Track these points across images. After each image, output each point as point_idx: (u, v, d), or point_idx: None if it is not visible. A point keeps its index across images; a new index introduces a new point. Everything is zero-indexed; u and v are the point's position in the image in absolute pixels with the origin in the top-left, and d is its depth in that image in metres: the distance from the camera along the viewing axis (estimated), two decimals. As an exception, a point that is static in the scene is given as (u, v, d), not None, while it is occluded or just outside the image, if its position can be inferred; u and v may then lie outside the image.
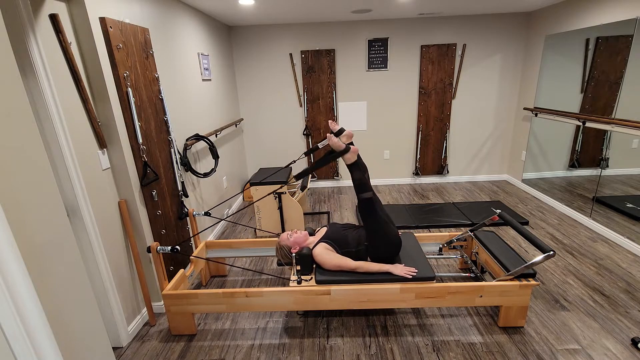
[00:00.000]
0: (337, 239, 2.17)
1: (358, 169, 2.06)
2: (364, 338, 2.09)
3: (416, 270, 2.04)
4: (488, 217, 3.61)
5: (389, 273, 2.04)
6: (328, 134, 2.06)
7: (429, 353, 1.95)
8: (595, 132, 3.27)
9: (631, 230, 2.90)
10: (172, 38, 2.72)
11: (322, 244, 2.15)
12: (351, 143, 2.15)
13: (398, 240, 2.11)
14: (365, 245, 2.13)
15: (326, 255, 2.08)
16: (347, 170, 4.85)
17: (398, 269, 2.04)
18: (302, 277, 2.10)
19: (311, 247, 2.17)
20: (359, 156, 2.09)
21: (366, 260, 2.15)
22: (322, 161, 2.07)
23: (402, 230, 3.21)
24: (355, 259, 2.14)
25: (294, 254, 2.15)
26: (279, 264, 2.30)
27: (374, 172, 4.97)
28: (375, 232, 2.07)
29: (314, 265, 2.16)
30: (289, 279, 2.25)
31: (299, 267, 2.15)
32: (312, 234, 2.35)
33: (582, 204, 3.44)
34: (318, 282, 2.04)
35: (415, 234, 2.69)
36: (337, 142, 2.04)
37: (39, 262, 1.05)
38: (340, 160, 4.90)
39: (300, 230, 2.29)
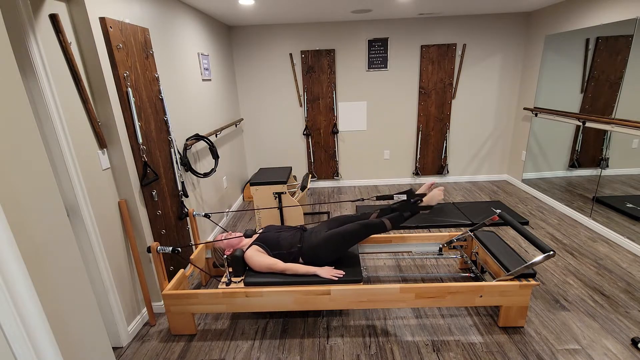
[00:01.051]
0: (270, 241, 2.22)
1: (415, 216, 2.17)
2: (364, 338, 2.09)
3: (343, 273, 2.08)
4: (488, 217, 3.61)
5: (316, 275, 2.08)
6: (440, 189, 2.12)
7: (429, 353, 1.95)
8: (595, 132, 3.27)
9: (631, 230, 2.90)
10: (172, 38, 2.72)
11: (254, 246, 2.20)
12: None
13: (337, 257, 2.20)
14: (299, 247, 2.18)
15: (256, 257, 2.13)
16: (350, 170, 4.87)
17: (324, 271, 2.09)
18: (233, 278, 2.13)
19: (244, 250, 2.20)
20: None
21: (298, 261, 2.19)
22: (411, 213, 2.13)
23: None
24: (287, 261, 2.18)
25: (225, 256, 2.19)
26: (214, 266, 2.34)
27: (374, 172, 4.97)
28: (343, 240, 2.13)
29: (247, 267, 2.19)
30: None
31: (231, 269, 2.17)
32: (250, 235, 2.37)
33: (582, 204, 3.44)
34: (246, 284, 2.07)
35: (413, 234, 2.69)
36: (440, 198, 2.12)
37: (39, 262, 1.05)
38: (339, 160, 4.90)
39: (236, 232, 2.33)
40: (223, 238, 2.27)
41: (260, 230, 2.35)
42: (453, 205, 3.99)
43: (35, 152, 1.05)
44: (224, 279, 2.13)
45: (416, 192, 2.20)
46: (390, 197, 2.17)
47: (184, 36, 2.95)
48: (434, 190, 2.13)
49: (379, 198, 2.20)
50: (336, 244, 2.12)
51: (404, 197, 2.10)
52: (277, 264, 2.11)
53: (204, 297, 2.05)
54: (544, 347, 1.95)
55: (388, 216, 2.15)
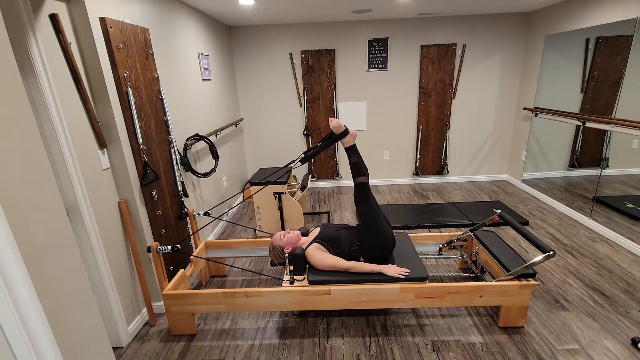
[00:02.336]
0: (330, 239, 2.18)
1: (355, 153, 2.13)
2: (364, 338, 2.09)
3: (408, 271, 2.05)
4: (488, 217, 3.61)
5: (381, 273, 2.05)
6: (330, 118, 2.14)
7: (429, 353, 1.95)
8: (595, 132, 3.27)
9: (631, 230, 2.90)
10: (172, 38, 2.72)
11: (315, 244, 2.16)
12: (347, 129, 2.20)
13: (392, 240, 2.13)
14: (359, 245, 2.14)
15: (319, 255, 2.09)
16: (349, 168, 4.87)
17: (390, 269, 2.05)
18: (295, 277, 2.11)
19: (304, 248, 2.17)
20: (356, 148, 2.16)
21: (359, 260, 2.16)
22: (324, 143, 2.15)
23: (398, 231, 3.21)
24: (348, 259, 2.15)
25: (286, 254, 2.16)
26: (272, 264, 2.32)
27: (374, 172, 4.97)
28: (370, 223, 2.08)
29: (307, 266, 2.16)
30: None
31: (291, 267, 2.15)
32: (305, 234, 2.36)
33: (582, 204, 3.44)
34: (310, 282, 2.04)
35: (413, 234, 2.69)
36: (338, 123, 2.11)
37: (39, 262, 1.05)
38: (339, 160, 4.90)
39: (294, 230, 2.30)
40: (282, 236, 2.22)
41: (317, 229, 2.32)
42: (453, 205, 3.99)
43: (35, 152, 1.05)
44: (286, 277, 2.10)
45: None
46: (316, 146, 2.26)
47: (184, 36, 2.95)
48: (331, 122, 2.15)
49: (308, 151, 2.27)
50: (371, 227, 2.08)
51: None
52: (341, 262, 2.07)
53: (204, 297, 2.05)
54: (544, 347, 1.95)
55: (352, 175, 2.14)
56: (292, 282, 2.06)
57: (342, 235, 2.19)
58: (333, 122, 2.11)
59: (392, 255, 2.23)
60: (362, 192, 2.08)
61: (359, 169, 2.09)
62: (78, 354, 1.19)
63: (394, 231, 2.59)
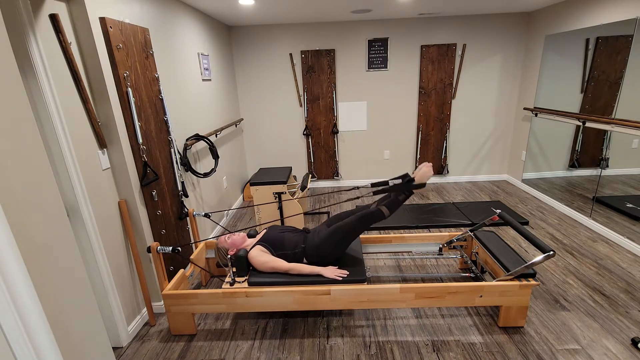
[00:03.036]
0: (274, 241, 2.22)
1: (409, 197, 2.17)
2: (364, 338, 2.09)
3: (347, 273, 2.08)
4: (488, 217, 3.61)
5: (320, 275, 2.08)
6: (427, 165, 2.12)
7: (429, 353, 1.95)
8: (595, 132, 3.27)
9: (631, 230, 2.90)
10: (172, 38, 2.72)
11: (258, 246, 2.19)
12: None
13: (341, 254, 2.20)
14: (302, 248, 2.18)
15: (260, 257, 2.12)
16: (350, 170, 4.87)
17: (329, 271, 2.09)
18: (237, 278, 2.12)
19: (248, 250, 2.19)
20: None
21: (302, 262, 2.19)
22: (405, 195, 2.14)
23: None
24: (292, 261, 2.18)
25: (230, 256, 2.18)
26: (218, 266, 2.34)
27: (374, 172, 4.97)
28: (345, 234, 2.12)
29: (251, 267, 2.18)
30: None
31: (234, 269, 2.17)
32: (253, 236, 2.38)
33: (582, 204, 3.44)
34: (250, 284, 2.06)
35: (413, 234, 2.69)
36: (430, 175, 2.11)
37: (39, 262, 1.05)
38: (339, 159, 4.90)
39: (239, 232, 2.33)
40: (227, 237, 2.26)
41: (263, 231, 2.35)
42: (453, 205, 3.99)
43: (35, 152, 1.05)
44: (227, 279, 2.12)
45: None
46: (386, 183, 2.18)
47: (184, 36, 2.95)
48: (422, 167, 2.12)
49: (373, 185, 2.20)
50: (337, 239, 2.12)
51: (399, 181, 2.11)
52: (281, 263, 2.10)
53: (204, 297, 2.05)
54: (544, 347, 1.95)
55: (384, 203, 2.15)
56: (232, 284, 2.08)
57: (286, 238, 2.23)
58: (428, 171, 2.08)
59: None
60: (374, 219, 2.12)
61: (396, 206, 2.12)
62: (78, 354, 1.19)
63: (391, 232, 2.60)
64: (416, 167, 4.84)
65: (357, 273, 2.09)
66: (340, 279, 2.04)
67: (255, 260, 2.13)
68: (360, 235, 2.67)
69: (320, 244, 2.14)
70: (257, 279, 2.08)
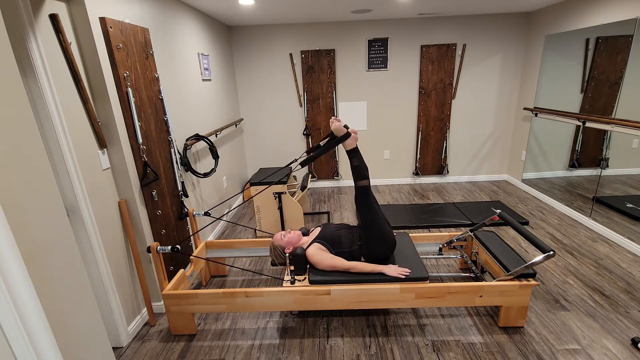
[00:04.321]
0: (331, 239, 2.18)
1: (357, 156, 2.10)
2: (364, 338, 2.09)
3: (409, 271, 2.05)
4: (488, 217, 3.61)
5: (382, 273, 2.05)
6: (331, 119, 2.11)
7: (429, 353, 1.95)
8: (595, 132, 3.27)
9: (631, 230, 2.90)
10: (172, 38, 2.72)
11: (316, 244, 2.16)
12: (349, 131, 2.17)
13: (393, 240, 2.13)
14: (359, 245, 2.14)
15: (319, 255, 2.09)
16: (349, 169, 4.87)
17: (391, 269, 2.05)
18: (296, 277, 2.11)
19: (305, 247, 2.17)
20: (358, 151, 2.12)
21: (360, 260, 2.16)
22: (325, 147, 2.11)
23: (398, 231, 3.21)
24: (349, 259, 2.15)
25: (287, 254, 2.16)
26: (273, 264, 2.31)
27: (374, 172, 4.97)
28: (371, 225, 2.08)
29: (308, 266, 2.17)
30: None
31: (292, 268, 2.15)
32: (306, 234, 2.36)
33: (582, 204, 3.44)
34: (311, 282, 2.04)
35: (413, 234, 2.69)
36: (339, 127, 2.07)
37: (39, 262, 1.05)
38: (340, 160, 4.90)
39: (294, 230, 2.30)
40: (282, 236, 2.23)
41: (317, 228, 2.31)
42: (453, 205, 3.99)
43: (35, 152, 1.05)
44: (287, 277, 2.10)
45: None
46: (319, 146, 2.23)
47: (184, 36, 2.95)
48: (333, 123, 2.11)
49: (309, 151, 2.27)
50: (372, 228, 2.08)
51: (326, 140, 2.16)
52: (341, 262, 2.07)
53: (204, 297, 2.05)
54: (544, 347, 1.95)
55: (355, 181, 2.11)
56: (292, 282, 2.06)
57: (342, 235, 2.19)
58: (334, 125, 2.07)
59: (393, 255, 2.23)
60: (363, 195, 2.07)
61: (360, 172, 2.07)
62: (78, 354, 1.19)
63: (394, 231, 2.60)
64: (416, 167, 4.85)
65: (418, 271, 2.06)
66: (403, 277, 2.02)
67: (315, 258, 2.09)
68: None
69: (370, 241, 2.10)
70: (318, 277, 2.05)
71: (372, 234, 2.09)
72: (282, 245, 2.20)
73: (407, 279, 2.02)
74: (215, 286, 2.68)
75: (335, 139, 2.11)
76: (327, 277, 2.05)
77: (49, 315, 1.07)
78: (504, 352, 1.93)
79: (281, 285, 2.08)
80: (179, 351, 2.05)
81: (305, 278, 2.10)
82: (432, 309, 2.31)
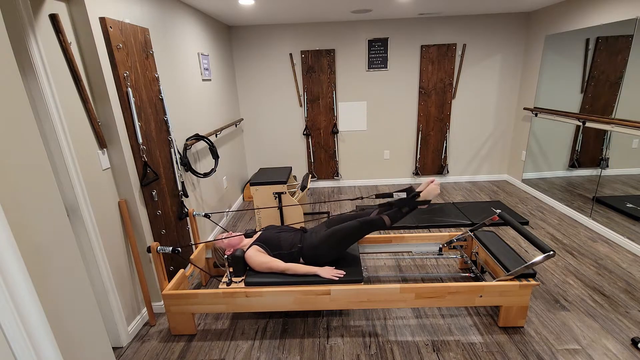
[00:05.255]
0: (270, 241, 2.22)
1: (413, 210, 2.17)
2: (364, 338, 2.09)
3: (344, 273, 2.09)
4: (488, 217, 3.61)
5: (317, 275, 2.08)
6: (435, 183, 2.11)
7: (429, 353, 1.95)
8: (595, 132, 3.27)
9: (631, 230, 2.90)
10: (172, 38, 2.72)
11: (254, 246, 2.20)
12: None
13: (338, 256, 2.21)
14: (299, 247, 2.18)
15: (257, 257, 2.13)
16: (350, 170, 4.87)
17: (325, 271, 2.09)
18: (233, 278, 2.13)
19: (245, 250, 2.19)
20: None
21: (299, 262, 2.19)
22: (408, 210, 2.13)
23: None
24: (288, 260, 2.18)
25: (226, 256, 2.18)
26: (215, 266, 2.34)
27: (374, 172, 4.97)
28: (342, 237, 2.13)
29: (248, 267, 2.19)
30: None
31: (231, 269, 2.17)
32: (250, 236, 2.38)
33: (582, 204, 3.44)
34: (247, 284, 2.06)
35: (413, 234, 2.69)
36: (436, 192, 2.10)
37: (39, 262, 1.05)
38: (340, 159, 4.90)
39: (237, 232, 2.33)
40: (223, 238, 2.27)
41: (260, 230, 2.35)
42: (453, 205, 3.99)
43: (35, 152, 1.05)
44: (224, 279, 2.13)
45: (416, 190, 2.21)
46: (390, 195, 2.17)
47: (184, 36, 2.95)
48: (430, 185, 2.13)
49: (378, 196, 2.20)
50: (336, 242, 2.13)
51: (404, 194, 2.11)
52: (278, 264, 2.11)
53: (204, 297, 2.05)
54: (544, 347, 1.95)
55: (386, 212, 2.15)
56: (229, 284, 2.08)
57: (282, 238, 2.24)
58: (435, 189, 2.08)
59: None
60: (374, 227, 2.12)
61: (399, 218, 2.13)
62: (78, 354, 1.19)
63: (398, 230, 2.60)
64: (416, 167, 4.85)
65: (354, 273, 2.09)
66: (337, 279, 2.05)
67: (252, 260, 2.13)
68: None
69: (318, 245, 2.14)
70: (254, 279, 2.08)
71: (338, 240, 2.14)
72: (222, 247, 2.25)
73: (341, 281, 2.05)
74: (215, 286, 2.68)
75: (417, 201, 2.10)
76: (263, 279, 2.08)
77: (49, 315, 1.07)
78: (504, 352, 1.93)
79: (218, 287, 2.11)
80: (179, 351, 2.05)
81: (242, 280, 2.12)
82: (432, 309, 2.31)
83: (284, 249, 2.20)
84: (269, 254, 2.19)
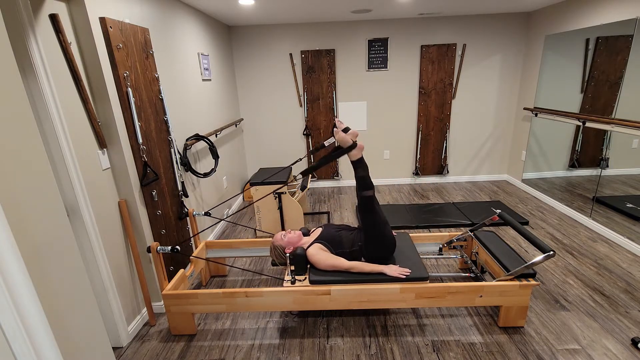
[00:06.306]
0: (332, 239, 2.19)
1: (362, 167, 2.08)
2: (364, 338, 2.09)
3: (409, 271, 2.05)
4: (488, 217, 3.61)
5: (382, 273, 2.05)
6: (335, 129, 2.07)
7: (429, 353, 1.95)
8: (595, 132, 3.27)
9: (631, 230, 2.90)
10: (172, 38, 2.72)
11: (317, 244, 2.16)
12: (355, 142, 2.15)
13: (393, 241, 2.13)
14: (360, 246, 2.14)
15: (320, 255, 2.10)
16: (350, 169, 4.87)
17: (391, 269, 2.06)
18: (296, 277, 2.11)
19: (305, 248, 2.17)
20: (363, 160, 2.10)
21: (360, 260, 2.16)
22: (329, 157, 2.08)
23: (399, 230, 3.21)
24: (350, 259, 2.15)
25: (288, 254, 2.16)
26: (274, 264, 2.31)
27: (374, 172, 4.97)
28: (373, 231, 2.08)
29: (308, 266, 2.17)
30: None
31: (292, 268, 2.16)
32: (306, 234, 2.36)
33: (582, 204, 3.44)
34: (312, 282, 2.04)
35: (413, 234, 2.69)
36: (345, 138, 2.03)
37: (39, 262, 1.05)
38: (340, 160, 4.90)
39: (295, 230, 2.30)
40: (282, 236, 2.23)
41: (319, 229, 2.31)
42: (453, 205, 3.99)
43: (35, 152, 1.05)
44: (287, 277, 2.10)
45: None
46: (323, 146, 2.22)
47: (184, 36, 2.95)
48: (338, 133, 2.07)
49: (311, 152, 2.28)
50: (375, 233, 2.08)
51: (332, 139, 2.13)
52: (342, 262, 2.07)
53: (204, 297, 2.05)
54: (544, 347, 1.95)
55: (359, 190, 2.09)
56: (293, 282, 2.06)
57: (343, 236, 2.19)
58: (338, 136, 2.02)
59: (393, 256, 2.24)
60: (368, 205, 2.07)
61: (366, 182, 2.06)
62: (78, 354, 1.19)
63: (395, 231, 2.60)
64: (416, 167, 4.85)
65: (418, 271, 2.06)
66: (404, 277, 2.02)
67: (316, 258, 2.09)
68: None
69: (371, 243, 2.11)
70: (319, 277, 2.05)
71: (371, 237, 2.09)
72: (282, 245, 2.20)
73: (408, 279, 2.02)
74: (215, 286, 2.68)
75: (340, 150, 2.07)
76: (327, 277, 2.05)
77: (49, 315, 1.07)
78: (504, 352, 1.93)
79: (281, 285, 2.08)
80: (179, 351, 2.05)
81: (305, 278, 2.10)
82: (432, 309, 2.31)
83: (345, 247, 2.16)
84: (332, 252, 2.16)
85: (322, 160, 2.07)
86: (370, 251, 2.11)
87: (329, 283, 2.04)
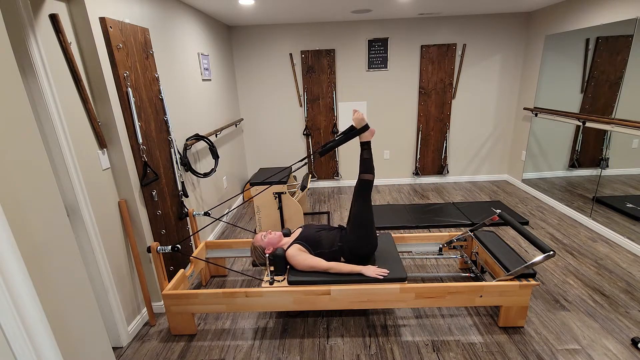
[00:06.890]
0: (311, 240, 2.20)
1: (369, 150, 2.13)
2: (364, 338, 2.09)
3: (387, 272, 2.06)
4: (488, 217, 3.61)
5: (360, 274, 2.06)
6: (354, 109, 2.14)
7: (429, 353, 1.95)
8: (595, 132, 3.27)
9: (631, 230, 2.90)
10: (172, 38, 2.72)
11: (296, 245, 2.17)
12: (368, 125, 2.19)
13: (375, 241, 2.16)
14: (339, 246, 2.16)
15: (299, 256, 2.11)
16: (350, 170, 4.87)
17: (369, 270, 2.07)
18: (275, 277, 2.11)
19: (285, 249, 2.18)
20: (370, 146, 2.17)
21: (339, 260, 2.17)
22: (344, 137, 2.15)
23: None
24: (329, 259, 2.16)
25: (267, 255, 2.17)
26: (254, 265, 2.32)
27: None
28: (360, 219, 2.10)
29: (288, 266, 2.17)
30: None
31: (272, 268, 2.16)
32: (287, 234, 2.37)
33: (582, 204, 3.44)
34: (290, 283, 2.05)
35: (413, 234, 2.69)
36: (362, 117, 2.10)
37: (39, 262, 1.05)
38: (340, 160, 4.90)
39: (275, 231, 2.30)
40: (263, 236, 2.24)
41: (298, 229, 2.33)
42: (453, 205, 3.99)
43: (35, 152, 1.05)
44: (266, 278, 2.11)
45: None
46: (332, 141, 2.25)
47: (184, 36, 2.95)
48: (354, 114, 2.15)
49: (324, 146, 2.27)
50: (362, 227, 2.10)
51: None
52: (321, 263, 2.08)
53: (204, 297, 2.05)
54: (544, 347, 1.95)
55: (361, 172, 2.14)
56: (271, 283, 2.07)
57: (322, 237, 2.21)
58: (357, 114, 2.10)
59: (374, 255, 2.25)
60: (365, 189, 2.10)
61: (369, 165, 2.10)
62: (78, 354, 1.19)
63: (390, 231, 2.60)
64: (416, 167, 4.85)
65: (397, 272, 2.07)
66: (382, 277, 2.02)
67: (294, 259, 2.11)
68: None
69: (352, 239, 2.12)
70: (297, 277, 2.06)
71: (358, 232, 2.10)
72: (262, 246, 2.22)
73: (385, 280, 2.03)
74: (215, 286, 2.68)
75: (355, 130, 2.14)
76: (305, 278, 2.06)
77: (49, 315, 1.07)
78: (504, 352, 1.93)
79: (260, 286, 2.08)
80: (179, 351, 2.05)
81: (284, 279, 2.11)
82: (432, 309, 2.31)
83: (324, 247, 2.17)
84: (311, 253, 2.17)
85: (338, 140, 2.15)
86: (351, 248, 2.12)
87: (307, 284, 2.05)
